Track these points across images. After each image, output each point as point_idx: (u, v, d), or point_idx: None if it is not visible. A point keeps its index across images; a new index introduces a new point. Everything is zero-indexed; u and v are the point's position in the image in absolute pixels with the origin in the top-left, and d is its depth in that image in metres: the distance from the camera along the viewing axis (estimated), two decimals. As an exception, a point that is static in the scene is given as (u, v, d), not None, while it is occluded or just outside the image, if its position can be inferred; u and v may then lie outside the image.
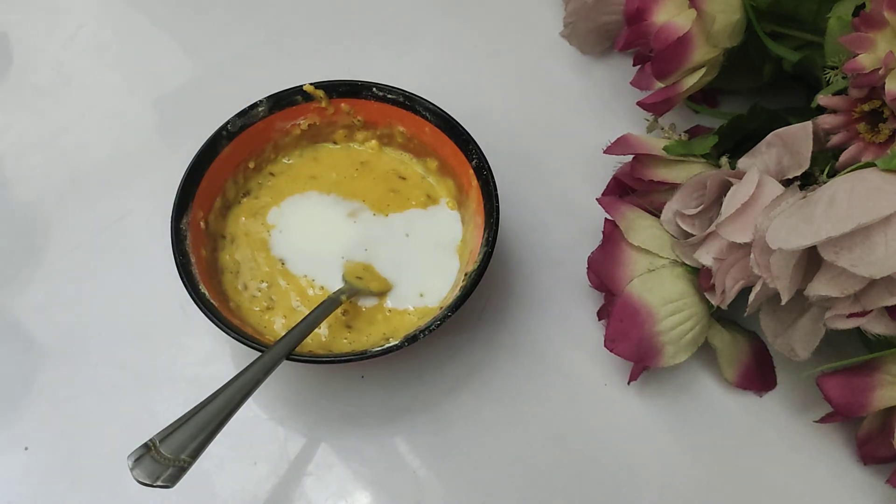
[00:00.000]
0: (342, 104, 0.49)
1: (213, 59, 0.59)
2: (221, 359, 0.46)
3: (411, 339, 0.41)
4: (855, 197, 0.35)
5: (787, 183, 0.41)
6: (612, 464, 0.44)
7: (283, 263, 0.47)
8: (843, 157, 0.40)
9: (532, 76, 0.59)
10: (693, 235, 0.42)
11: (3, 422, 0.44)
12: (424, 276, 0.47)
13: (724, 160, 0.44)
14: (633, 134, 0.46)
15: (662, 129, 0.46)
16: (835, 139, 0.40)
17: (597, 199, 0.46)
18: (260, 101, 0.48)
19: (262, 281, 0.46)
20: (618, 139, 0.46)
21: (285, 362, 0.39)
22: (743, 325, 0.46)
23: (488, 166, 0.46)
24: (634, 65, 0.50)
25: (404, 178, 0.50)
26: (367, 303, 0.46)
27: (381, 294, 0.46)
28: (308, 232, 0.48)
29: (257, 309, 0.45)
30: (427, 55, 0.60)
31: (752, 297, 0.39)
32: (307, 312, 0.42)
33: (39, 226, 0.51)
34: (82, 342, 0.47)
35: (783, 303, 0.37)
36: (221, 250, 0.47)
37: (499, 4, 0.63)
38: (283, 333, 0.40)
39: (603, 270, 0.44)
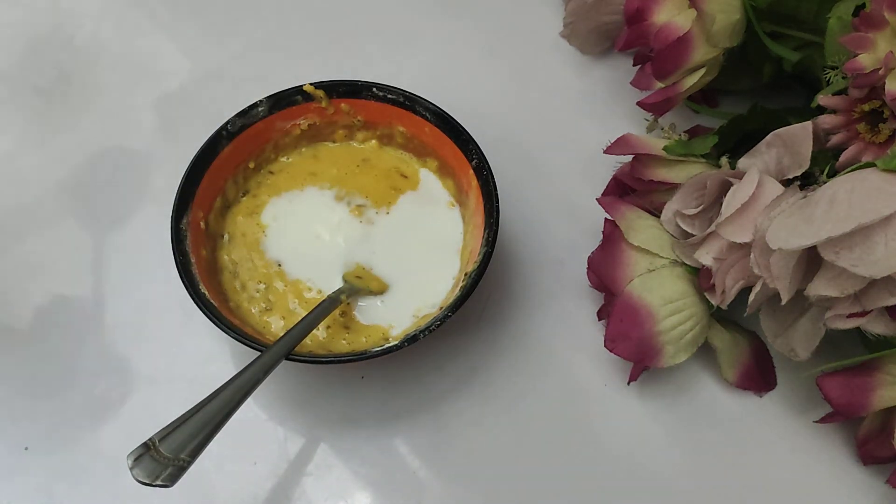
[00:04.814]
0: (342, 104, 0.49)
1: (213, 59, 0.59)
2: (221, 359, 0.46)
3: (411, 340, 0.41)
4: (855, 197, 0.35)
5: (787, 183, 0.41)
6: (611, 464, 0.44)
7: (279, 265, 0.47)
8: (843, 157, 0.40)
9: (532, 76, 0.59)
10: (693, 235, 0.42)
11: (3, 422, 0.44)
12: (424, 276, 0.47)
13: (724, 160, 0.44)
14: (633, 134, 0.46)
15: (662, 129, 0.46)
16: (835, 139, 0.40)
17: (597, 199, 0.46)
18: (260, 101, 0.48)
19: (260, 282, 0.46)
20: (618, 139, 0.46)
21: (285, 362, 0.39)
22: (743, 325, 0.46)
23: (488, 166, 0.46)
24: (634, 65, 0.50)
25: (406, 177, 0.50)
26: (366, 304, 0.46)
27: (381, 293, 0.46)
28: (304, 231, 0.48)
29: (255, 310, 0.45)
30: (427, 55, 0.60)
31: (752, 297, 0.39)
32: (305, 314, 0.42)
33: (39, 226, 0.51)
34: (82, 342, 0.47)
35: (783, 303, 0.37)
36: (220, 249, 0.47)
37: (499, 4, 0.63)
38: (283, 333, 0.40)
39: (603, 270, 0.44)
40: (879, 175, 0.36)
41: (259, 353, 0.39)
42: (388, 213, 0.49)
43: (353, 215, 0.49)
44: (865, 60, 0.38)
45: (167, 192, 0.44)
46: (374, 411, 0.45)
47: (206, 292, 0.42)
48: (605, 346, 0.43)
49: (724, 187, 0.42)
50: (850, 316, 0.37)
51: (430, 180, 0.50)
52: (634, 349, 0.42)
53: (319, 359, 0.40)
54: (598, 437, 0.45)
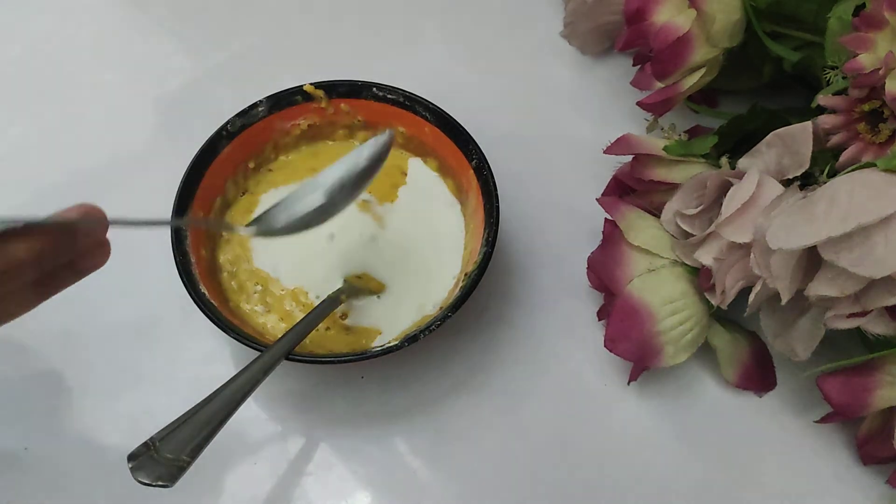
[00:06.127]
0: (342, 104, 0.49)
1: (213, 59, 0.59)
2: (221, 359, 0.46)
3: (411, 340, 0.41)
4: (855, 197, 0.35)
5: (787, 183, 0.41)
6: (611, 464, 0.44)
7: (272, 272, 0.46)
8: (843, 157, 0.40)
9: (532, 76, 0.59)
10: (693, 235, 0.42)
11: (3, 422, 0.44)
12: (424, 276, 0.47)
13: (724, 160, 0.44)
14: (633, 134, 0.46)
15: (662, 129, 0.46)
16: (835, 139, 0.40)
17: (597, 199, 0.46)
18: (260, 101, 0.48)
19: (257, 283, 0.46)
20: (618, 139, 0.46)
21: (285, 362, 0.39)
22: (743, 325, 0.46)
23: (488, 166, 0.46)
24: (634, 65, 0.50)
25: (406, 174, 0.50)
26: (366, 305, 0.46)
27: (380, 293, 0.46)
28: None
29: (253, 309, 0.45)
30: (427, 55, 0.60)
31: (752, 297, 0.39)
32: (303, 315, 0.42)
33: (39, 226, 0.51)
34: (82, 342, 0.47)
35: (783, 303, 0.37)
36: (219, 249, 0.47)
37: (499, 4, 0.63)
38: (283, 333, 0.40)
39: (603, 270, 0.44)
40: (879, 175, 0.36)
41: (259, 353, 0.39)
42: (391, 209, 0.49)
43: (362, 207, 0.48)
44: (865, 60, 0.38)
45: (167, 192, 0.44)
46: (374, 411, 0.45)
47: (206, 292, 0.42)
48: (605, 346, 0.43)
49: (724, 187, 0.42)
50: (850, 316, 0.37)
51: (428, 178, 0.50)
52: (634, 349, 0.42)
53: (319, 359, 0.40)
54: (598, 437, 0.45)
